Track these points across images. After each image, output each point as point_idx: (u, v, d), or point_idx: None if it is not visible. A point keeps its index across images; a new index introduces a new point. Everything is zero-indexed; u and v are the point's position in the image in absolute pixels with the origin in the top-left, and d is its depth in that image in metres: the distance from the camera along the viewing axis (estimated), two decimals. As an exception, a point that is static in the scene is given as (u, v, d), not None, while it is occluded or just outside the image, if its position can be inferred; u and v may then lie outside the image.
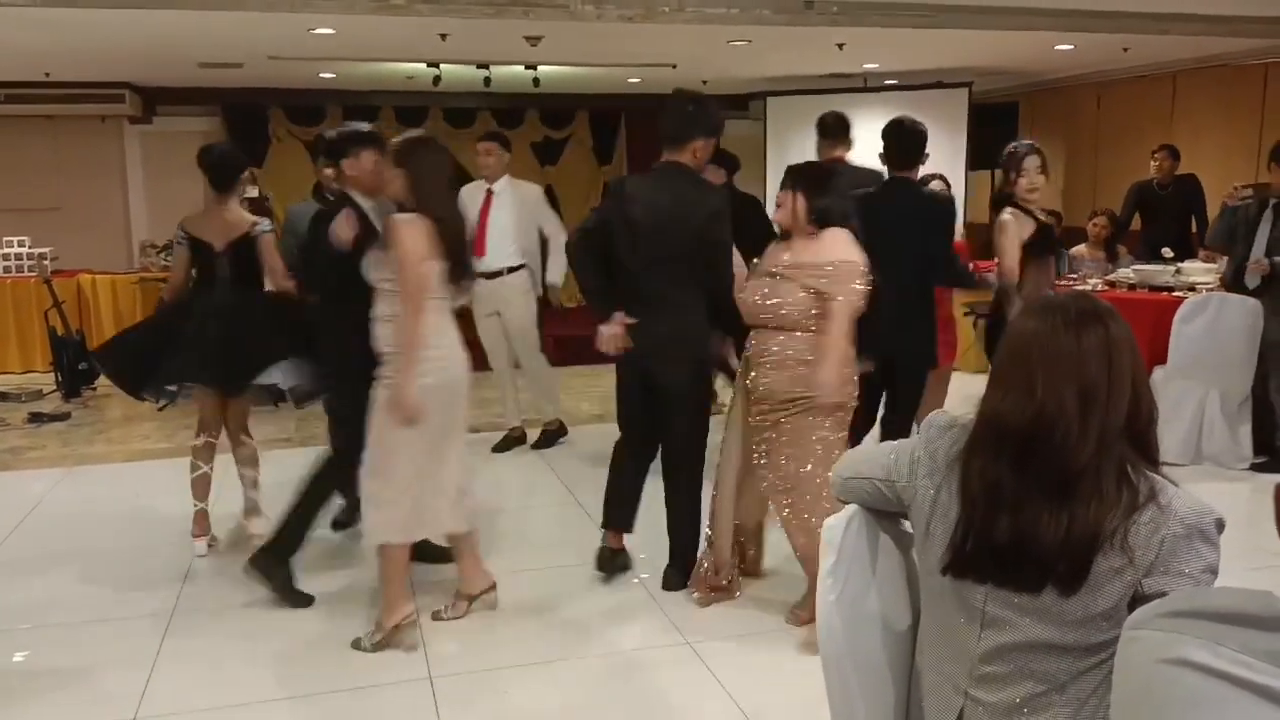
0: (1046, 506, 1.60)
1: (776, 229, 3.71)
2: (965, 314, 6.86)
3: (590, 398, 7.30)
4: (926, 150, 4.46)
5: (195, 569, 4.30)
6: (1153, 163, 7.63)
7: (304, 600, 3.94)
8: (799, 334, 3.52)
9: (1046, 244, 4.58)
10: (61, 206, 9.72)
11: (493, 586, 3.89)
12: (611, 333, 3.88)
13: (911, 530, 1.85)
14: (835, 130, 4.99)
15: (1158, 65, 8.91)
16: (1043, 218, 4.60)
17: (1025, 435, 1.62)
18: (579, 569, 4.23)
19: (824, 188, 3.57)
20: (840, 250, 3.51)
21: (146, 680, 3.38)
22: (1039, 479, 1.61)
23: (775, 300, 3.53)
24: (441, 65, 8.35)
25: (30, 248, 8.79)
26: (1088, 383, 1.60)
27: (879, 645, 1.85)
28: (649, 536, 4.20)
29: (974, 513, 1.67)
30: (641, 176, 4.08)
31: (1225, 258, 6.19)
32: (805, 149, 5.11)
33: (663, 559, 4.08)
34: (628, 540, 4.20)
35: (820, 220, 3.54)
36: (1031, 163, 4.48)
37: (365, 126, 4.05)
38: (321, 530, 4.47)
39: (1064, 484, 1.60)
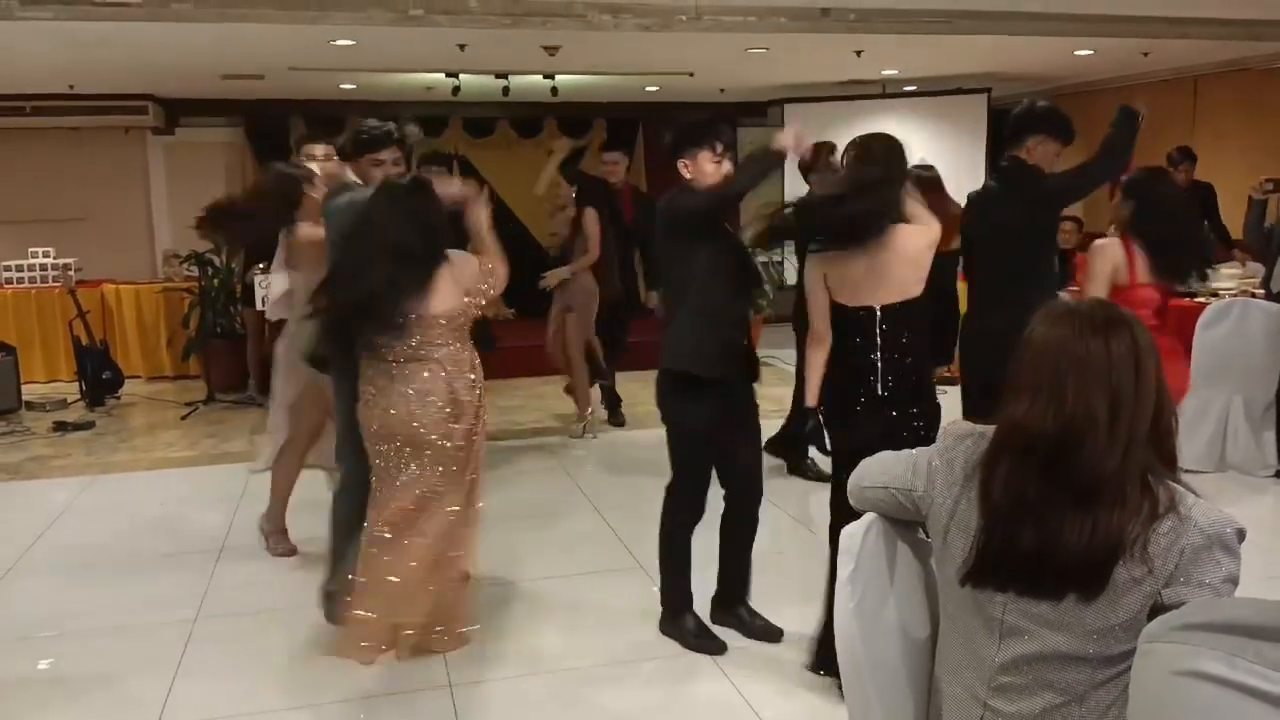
0: (1071, 514, 1.59)
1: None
2: None
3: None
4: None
5: (218, 576, 4.33)
6: (1179, 174, 7.54)
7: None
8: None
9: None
10: (86, 217, 9.80)
11: None
12: None
13: (929, 539, 1.85)
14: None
15: (1178, 69, 8.85)
16: None
17: (1054, 443, 1.62)
18: (600, 578, 4.24)
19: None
20: None
21: (169, 687, 3.41)
22: (1065, 487, 1.61)
23: None
24: (460, 75, 8.40)
25: (55, 258, 8.87)
26: (1117, 390, 1.60)
27: (897, 654, 1.85)
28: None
29: (995, 521, 1.66)
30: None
31: (1253, 261, 6.15)
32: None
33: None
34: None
35: None
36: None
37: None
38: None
39: (1089, 491, 1.59)
